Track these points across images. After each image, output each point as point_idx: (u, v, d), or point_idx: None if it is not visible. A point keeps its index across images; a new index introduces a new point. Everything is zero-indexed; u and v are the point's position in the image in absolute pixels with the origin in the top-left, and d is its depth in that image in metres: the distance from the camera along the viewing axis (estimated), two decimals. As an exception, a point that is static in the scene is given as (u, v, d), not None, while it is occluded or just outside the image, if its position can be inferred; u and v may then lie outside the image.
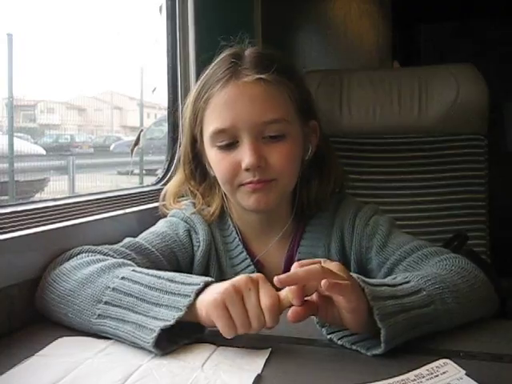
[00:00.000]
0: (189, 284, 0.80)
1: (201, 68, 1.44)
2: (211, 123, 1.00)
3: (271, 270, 1.05)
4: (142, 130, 1.45)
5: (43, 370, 0.72)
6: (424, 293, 0.82)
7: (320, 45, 2.34)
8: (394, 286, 0.82)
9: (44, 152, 3.92)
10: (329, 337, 0.80)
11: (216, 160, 1.02)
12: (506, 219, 1.98)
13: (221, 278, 1.04)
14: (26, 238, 0.93)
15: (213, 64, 1.04)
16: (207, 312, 0.75)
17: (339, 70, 1.87)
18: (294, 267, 0.76)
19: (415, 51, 4.29)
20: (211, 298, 0.75)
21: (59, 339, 0.83)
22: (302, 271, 0.73)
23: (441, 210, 1.61)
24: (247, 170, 0.97)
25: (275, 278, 0.73)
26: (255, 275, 0.78)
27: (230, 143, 0.99)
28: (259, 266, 1.07)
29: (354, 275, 0.78)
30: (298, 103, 1.02)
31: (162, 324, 0.75)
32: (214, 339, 0.79)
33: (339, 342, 0.79)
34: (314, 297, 0.77)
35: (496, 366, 0.73)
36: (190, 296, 0.77)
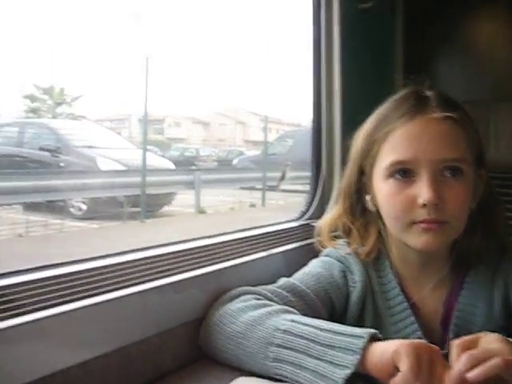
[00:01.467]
0: (358, 336, 0.81)
1: (346, 102, 1.46)
2: (389, 155, 0.99)
3: (426, 314, 1.04)
4: (287, 165, 1.47)
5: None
6: None
7: (464, 74, 2.24)
8: None
9: (173, 166, 4.10)
10: None
11: (389, 193, 0.99)
12: None
13: (376, 319, 1.05)
14: (188, 281, 0.97)
15: (392, 99, 1.04)
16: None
17: (485, 100, 1.78)
18: (456, 345, 0.75)
19: None
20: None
21: (238, 379, 0.86)
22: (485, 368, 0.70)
23: None
24: (423, 206, 0.94)
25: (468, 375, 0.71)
26: (430, 347, 0.77)
27: (407, 177, 0.97)
28: (415, 310, 1.05)
29: None
30: (475, 148, 1.01)
31: (343, 373, 0.77)
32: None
33: None
34: None
35: None
36: (360, 345, 0.79)
